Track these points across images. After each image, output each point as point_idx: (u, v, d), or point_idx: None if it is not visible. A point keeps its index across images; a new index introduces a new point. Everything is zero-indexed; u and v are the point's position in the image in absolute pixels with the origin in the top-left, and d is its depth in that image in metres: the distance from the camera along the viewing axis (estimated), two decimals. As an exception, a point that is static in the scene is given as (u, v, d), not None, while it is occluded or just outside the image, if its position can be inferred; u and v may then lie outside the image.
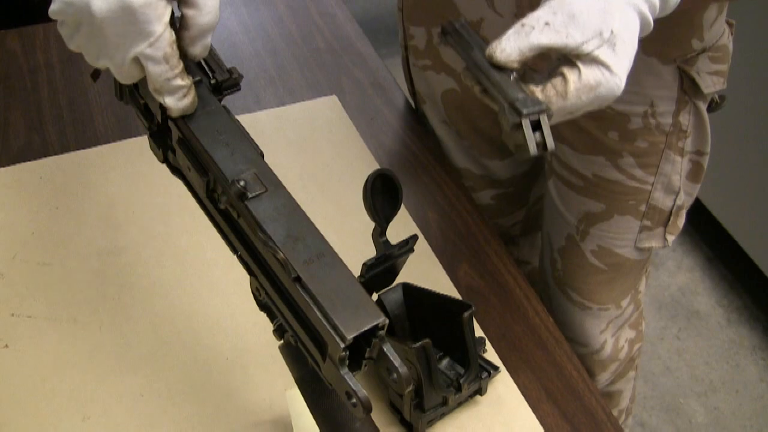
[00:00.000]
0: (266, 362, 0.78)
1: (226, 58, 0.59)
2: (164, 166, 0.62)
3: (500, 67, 0.55)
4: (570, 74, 0.55)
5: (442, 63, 1.01)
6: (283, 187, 0.53)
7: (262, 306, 0.57)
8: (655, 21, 0.61)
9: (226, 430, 0.74)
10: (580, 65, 0.55)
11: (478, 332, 0.82)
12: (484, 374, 0.76)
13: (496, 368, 0.78)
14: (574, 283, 1.09)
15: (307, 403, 0.59)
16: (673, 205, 0.98)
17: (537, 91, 0.55)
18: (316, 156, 1.03)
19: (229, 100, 0.58)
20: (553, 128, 0.60)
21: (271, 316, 0.57)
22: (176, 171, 0.61)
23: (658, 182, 0.95)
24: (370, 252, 0.68)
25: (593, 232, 1.01)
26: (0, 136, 1.03)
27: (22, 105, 1.08)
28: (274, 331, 0.57)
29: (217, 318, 0.83)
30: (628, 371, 1.23)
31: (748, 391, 1.85)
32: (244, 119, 0.59)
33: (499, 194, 1.16)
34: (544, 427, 0.76)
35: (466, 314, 0.71)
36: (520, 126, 0.54)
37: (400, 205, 0.69)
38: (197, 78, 0.58)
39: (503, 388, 0.78)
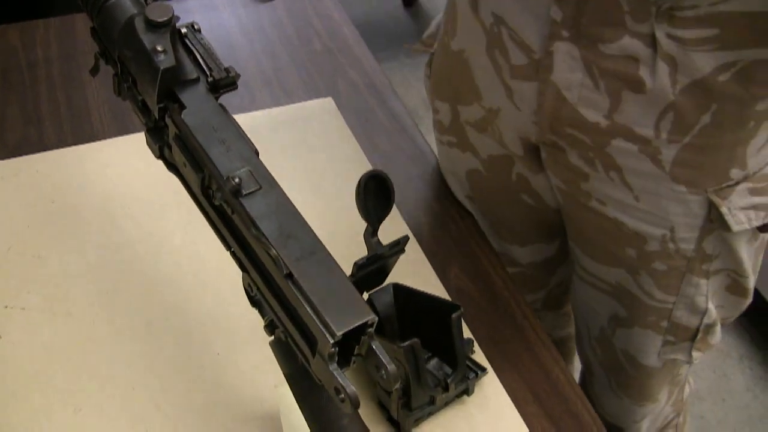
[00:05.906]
0: (257, 358, 0.79)
1: (223, 58, 0.60)
2: (160, 163, 0.63)
3: None
4: None
5: (468, 142, 0.95)
6: (278, 186, 0.54)
7: (254, 302, 0.58)
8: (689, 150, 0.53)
9: (217, 424, 0.75)
10: None
11: (467, 333, 0.83)
12: (472, 375, 0.77)
13: (483, 369, 0.79)
14: (611, 375, 1.05)
15: (296, 399, 0.59)
16: (700, 323, 0.89)
17: None
18: (311, 156, 1.04)
19: (225, 99, 0.59)
20: (572, 243, 0.53)
21: (263, 312, 0.58)
22: (172, 167, 0.62)
23: (679, 302, 0.87)
24: (361, 252, 0.68)
25: (619, 334, 0.97)
26: (-3, 130, 1.04)
27: (20, 99, 1.08)
28: (265, 327, 0.57)
29: (209, 314, 0.84)
30: None
31: (735, 401, 1.86)
32: (240, 118, 0.60)
33: (517, 272, 1.10)
34: (529, 429, 0.77)
35: (454, 315, 0.72)
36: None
37: (392, 206, 0.70)
38: (195, 75, 0.59)
39: (490, 389, 0.79)
